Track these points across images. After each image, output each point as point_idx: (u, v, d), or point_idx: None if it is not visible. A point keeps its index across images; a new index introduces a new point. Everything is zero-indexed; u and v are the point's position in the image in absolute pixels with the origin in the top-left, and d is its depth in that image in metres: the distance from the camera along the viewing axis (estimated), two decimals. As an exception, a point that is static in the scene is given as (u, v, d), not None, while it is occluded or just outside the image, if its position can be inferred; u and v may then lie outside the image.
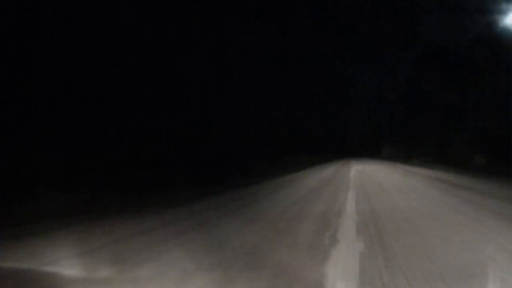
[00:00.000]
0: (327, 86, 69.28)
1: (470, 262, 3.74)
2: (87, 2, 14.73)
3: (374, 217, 6.35)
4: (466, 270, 3.50)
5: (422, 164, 28.31)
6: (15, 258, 4.33)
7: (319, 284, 3.25)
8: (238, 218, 6.76)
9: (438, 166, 24.65)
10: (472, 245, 4.46)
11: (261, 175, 17.88)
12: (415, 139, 35.72)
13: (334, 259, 3.97)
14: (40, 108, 12.96)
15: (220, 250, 4.43)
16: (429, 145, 31.70)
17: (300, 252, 4.29)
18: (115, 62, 15.71)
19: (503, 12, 21.68)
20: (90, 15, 14.58)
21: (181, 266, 3.84)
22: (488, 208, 7.36)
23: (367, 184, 12.88)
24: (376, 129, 67.30)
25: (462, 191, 10.37)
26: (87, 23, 14.40)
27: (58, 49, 13.36)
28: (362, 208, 7.44)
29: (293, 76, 45.87)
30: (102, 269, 3.86)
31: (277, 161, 28.00)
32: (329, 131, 74.41)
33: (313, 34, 48.45)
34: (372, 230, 5.31)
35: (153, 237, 5.24)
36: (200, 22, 21.93)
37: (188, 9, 20.93)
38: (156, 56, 18.57)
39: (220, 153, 22.81)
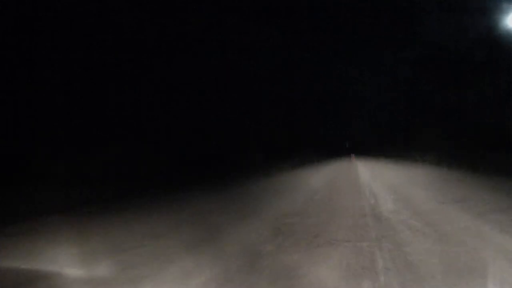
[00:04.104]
0: (327, 86, 69.23)
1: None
2: (87, 2, 14.75)
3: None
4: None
5: None
6: (15, 257, 4.34)
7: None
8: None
9: None
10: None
11: (263, 175, 17.89)
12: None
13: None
14: (41, 107, 12.98)
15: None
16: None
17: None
18: (115, 62, 15.73)
19: (503, 12, 21.70)
20: (90, 15, 14.59)
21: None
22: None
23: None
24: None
25: None
26: (87, 23, 14.41)
27: (58, 49, 13.38)
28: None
29: (293, 76, 45.86)
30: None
31: (278, 160, 27.99)
32: (329, 130, 74.31)
33: (313, 34, 48.41)
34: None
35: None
36: (200, 22, 21.95)
37: (188, 9, 20.95)
38: (156, 56, 18.60)
39: (220, 153, 22.82)
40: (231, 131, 25.62)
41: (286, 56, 40.08)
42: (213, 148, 22.42)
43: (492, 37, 25.17)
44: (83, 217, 6.94)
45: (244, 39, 27.48)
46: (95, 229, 5.88)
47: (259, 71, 31.04)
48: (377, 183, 12.40)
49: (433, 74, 35.56)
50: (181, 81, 20.58)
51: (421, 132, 38.19)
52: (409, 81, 43.17)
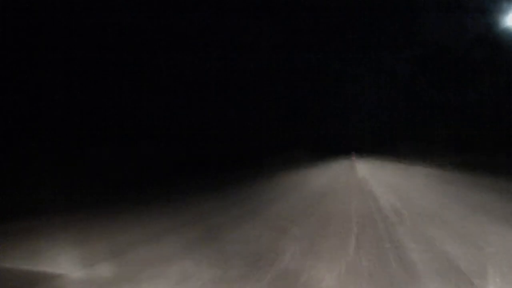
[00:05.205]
0: (327, 86, 69.19)
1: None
2: (87, 2, 14.74)
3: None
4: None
5: None
6: (15, 257, 4.34)
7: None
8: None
9: None
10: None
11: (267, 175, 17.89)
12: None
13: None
14: (40, 107, 12.98)
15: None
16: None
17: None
18: (115, 62, 15.73)
19: (503, 12, 21.70)
20: (90, 15, 14.59)
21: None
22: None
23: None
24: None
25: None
26: (87, 23, 14.41)
27: (58, 49, 13.38)
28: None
29: (293, 75, 45.88)
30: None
31: (279, 159, 28.00)
32: (329, 130, 74.17)
33: (313, 34, 48.39)
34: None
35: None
36: (200, 22, 21.94)
37: (188, 9, 20.95)
38: (155, 56, 18.60)
39: (220, 152, 22.82)
40: (231, 131, 25.61)
41: (285, 56, 40.08)
42: (210, 148, 22.41)
43: (491, 37, 25.18)
44: (83, 218, 6.94)
45: (244, 39, 27.48)
46: (95, 230, 5.88)
47: (259, 71, 31.05)
48: (380, 185, 12.35)
49: (432, 74, 35.58)
50: (180, 80, 20.58)
51: (421, 131, 38.25)
52: (409, 80, 43.17)
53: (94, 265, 3.97)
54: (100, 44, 15.19)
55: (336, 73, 63.82)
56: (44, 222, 6.52)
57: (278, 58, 36.31)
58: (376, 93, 67.21)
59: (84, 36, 14.52)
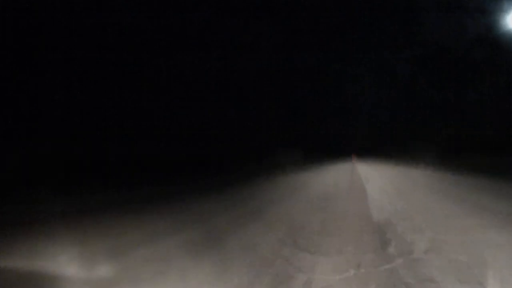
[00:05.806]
0: (327, 86, 69.15)
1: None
2: (87, 2, 14.74)
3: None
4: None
5: None
6: (15, 258, 4.34)
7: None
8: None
9: None
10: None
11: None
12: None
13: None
14: (41, 107, 12.98)
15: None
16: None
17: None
18: (115, 62, 15.72)
19: (503, 12, 21.71)
20: (90, 15, 14.59)
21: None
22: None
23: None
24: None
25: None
26: (87, 23, 14.41)
27: (58, 49, 13.38)
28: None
29: (293, 76, 45.91)
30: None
31: (278, 161, 27.99)
32: (329, 130, 74.08)
33: (313, 34, 48.39)
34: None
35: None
36: (200, 22, 21.95)
37: (188, 9, 20.95)
38: (156, 56, 18.60)
39: (220, 152, 22.82)
40: (231, 131, 25.60)
41: (285, 56, 40.09)
42: (210, 148, 22.40)
43: (492, 37, 25.18)
44: (83, 218, 6.93)
45: (244, 39, 27.49)
46: (95, 230, 5.88)
47: (259, 71, 31.05)
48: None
49: (432, 74, 35.61)
50: (180, 80, 20.57)
51: (421, 131, 38.27)
52: (409, 80, 43.18)
53: (94, 265, 3.97)
54: (100, 44, 15.20)
55: (336, 73, 63.74)
56: (44, 222, 6.51)
57: (278, 58, 36.29)
58: (376, 93, 67.14)
59: (84, 36, 14.52)
